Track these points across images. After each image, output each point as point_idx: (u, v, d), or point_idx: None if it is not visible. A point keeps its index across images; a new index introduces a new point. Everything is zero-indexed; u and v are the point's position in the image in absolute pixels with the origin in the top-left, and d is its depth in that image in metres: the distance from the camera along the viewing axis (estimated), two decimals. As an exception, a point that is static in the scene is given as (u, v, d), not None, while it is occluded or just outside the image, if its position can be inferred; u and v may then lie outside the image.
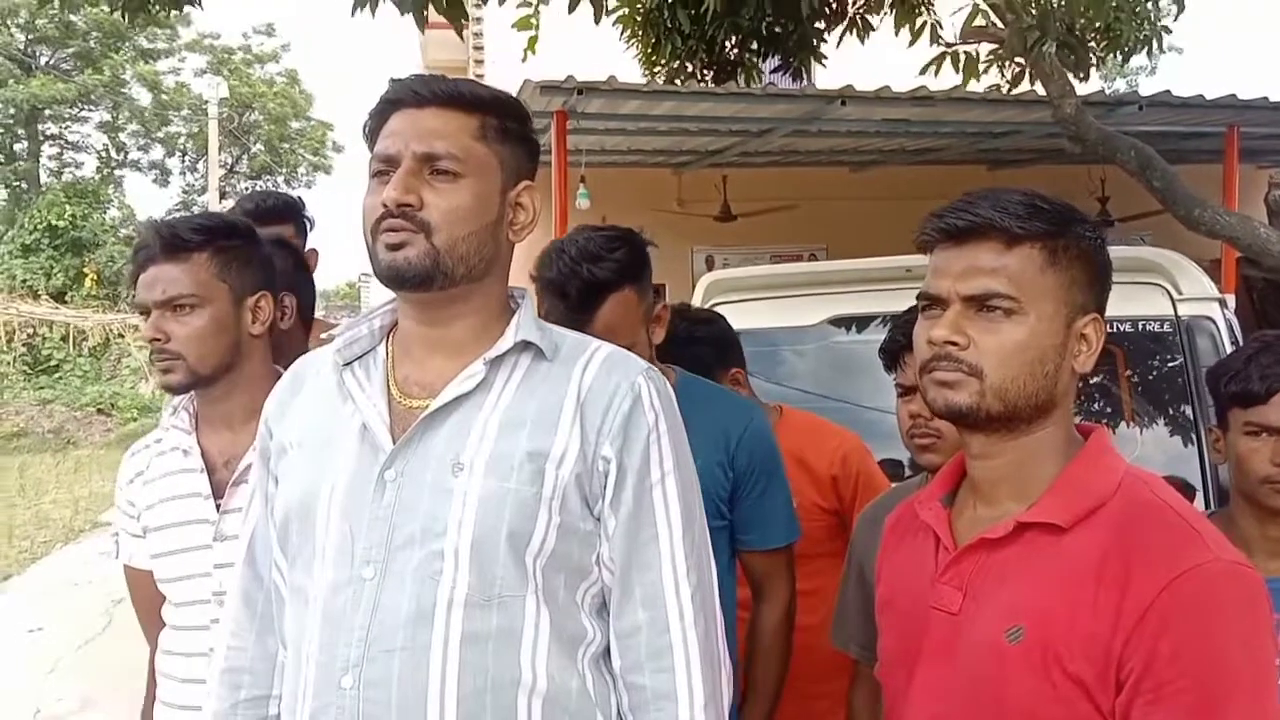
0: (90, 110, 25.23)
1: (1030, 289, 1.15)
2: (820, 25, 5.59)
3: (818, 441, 2.44)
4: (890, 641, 1.33)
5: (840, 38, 5.50)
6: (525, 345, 1.28)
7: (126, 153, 26.56)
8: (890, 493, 2.16)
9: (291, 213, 2.77)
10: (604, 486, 1.25)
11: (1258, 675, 1.04)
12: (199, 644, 1.69)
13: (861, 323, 3.41)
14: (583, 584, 1.26)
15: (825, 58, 5.76)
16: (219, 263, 1.75)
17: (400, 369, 1.31)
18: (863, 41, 5.46)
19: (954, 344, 1.15)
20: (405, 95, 1.28)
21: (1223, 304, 3.14)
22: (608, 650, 1.29)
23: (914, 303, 1.36)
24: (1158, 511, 1.13)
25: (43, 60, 24.40)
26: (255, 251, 1.83)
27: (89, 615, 6.20)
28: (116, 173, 26.03)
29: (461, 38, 7.53)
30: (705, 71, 5.96)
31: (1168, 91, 6.50)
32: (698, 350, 2.37)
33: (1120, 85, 17.51)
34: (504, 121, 1.30)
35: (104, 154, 26.02)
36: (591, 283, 1.73)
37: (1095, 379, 3.17)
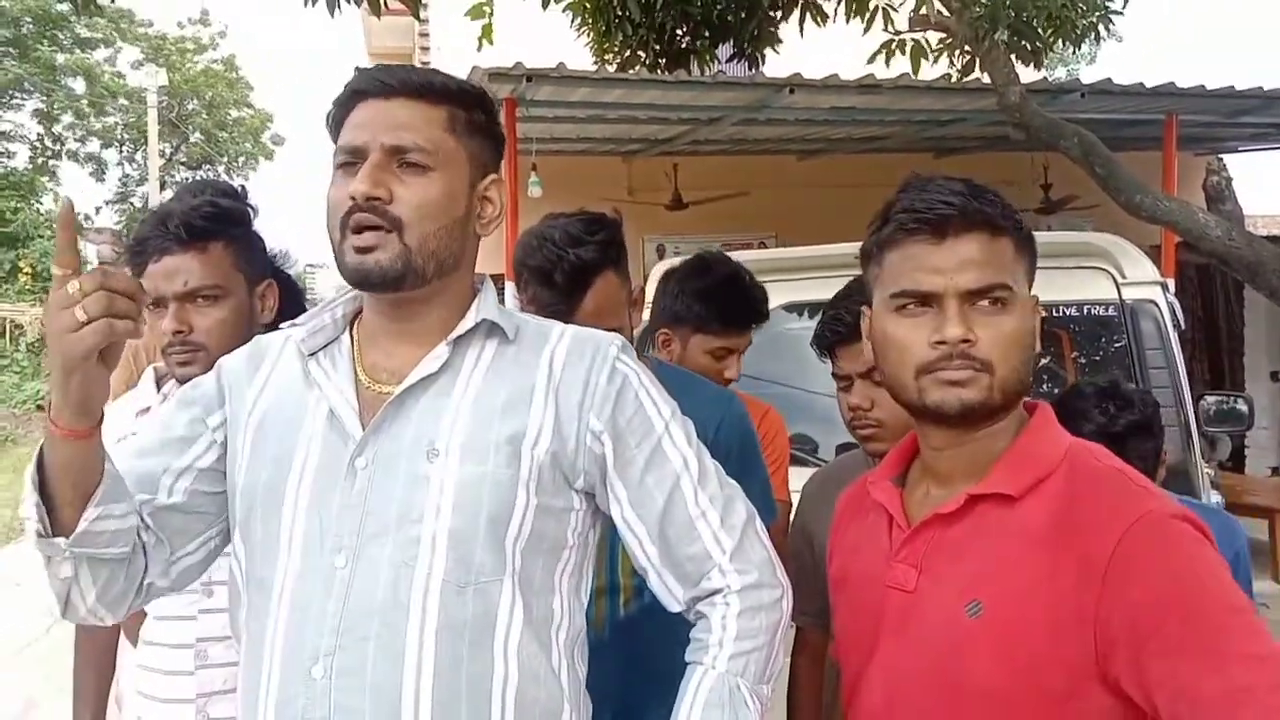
0: (23, 98, 24.53)
1: (1015, 278, 1.17)
2: (775, 13, 5.61)
3: None
4: (845, 620, 1.34)
5: (801, 22, 5.52)
6: (488, 327, 1.27)
7: (62, 143, 25.88)
8: (836, 462, 2.19)
9: (236, 201, 2.73)
10: (601, 459, 1.25)
11: (1228, 591, 1.06)
12: (185, 635, 1.66)
13: (814, 309, 3.43)
14: (559, 563, 1.26)
15: (780, 41, 5.77)
16: (234, 251, 1.75)
17: (368, 356, 1.30)
18: (820, 25, 5.47)
19: (967, 341, 1.14)
20: (371, 85, 1.26)
21: (1164, 287, 3.22)
22: (582, 639, 1.30)
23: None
24: (1101, 475, 1.16)
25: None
26: (258, 238, 1.83)
27: (33, 614, 6.06)
28: (51, 163, 25.36)
29: (419, 19, 7.44)
30: (659, 60, 5.95)
31: (1109, 79, 6.61)
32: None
33: (1061, 74, 17.78)
34: (472, 114, 1.30)
35: (38, 144, 25.34)
36: (579, 266, 1.74)
37: (1043, 361, 3.23)
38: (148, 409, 1.90)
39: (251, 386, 1.33)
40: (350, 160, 1.24)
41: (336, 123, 1.28)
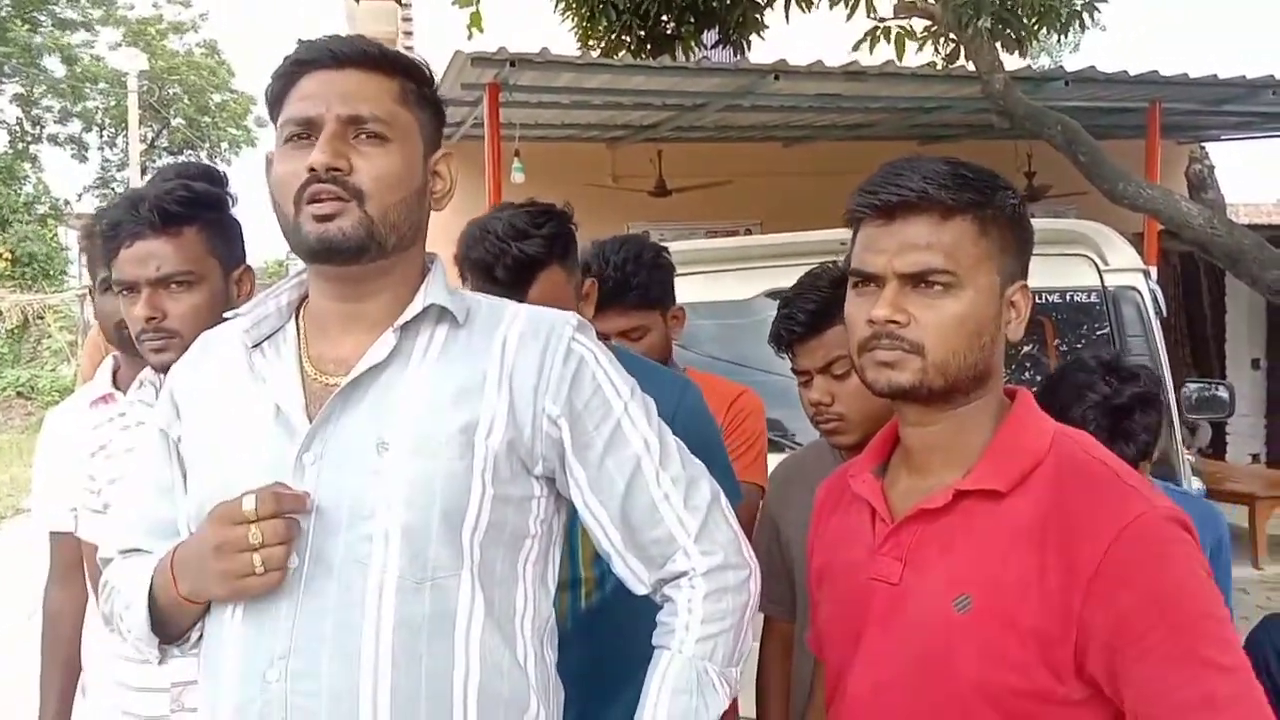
0: (2, 82, 24.26)
1: (965, 261, 1.15)
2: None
3: (713, 391, 2.36)
4: (829, 613, 1.33)
5: (786, 8, 5.50)
6: (437, 312, 1.23)
7: (43, 127, 25.63)
8: (802, 451, 2.18)
9: (214, 185, 2.71)
10: (559, 443, 1.22)
11: (1212, 600, 1.07)
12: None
13: (798, 296, 3.43)
14: (521, 553, 1.23)
15: (766, 27, 5.76)
16: (208, 236, 1.72)
17: (314, 346, 1.25)
18: (805, 11, 5.46)
19: (895, 322, 1.15)
20: (320, 56, 1.21)
21: (1147, 275, 3.24)
22: (551, 628, 1.28)
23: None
24: (1091, 469, 1.15)
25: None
26: (234, 223, 1.79)
27: (14, 603, 6.03)
28: (31, 148, 25.10)
29: (401, 3, 7.40)
30: (643, 45, 5.92)
31: (1093, 67, 6.63)
32: (663, 276, 2.33)
33: (1045, 62, 17.78)
34: (420, 86, 1.26)
35: (17, 128, 25.08)
36: (521, 260, 1.68)
37: (1024, 348, 3.24)
38: (103, 397, 1.89)
39: (199, 388, 1.30)
40: (301, 133, 1.19)
41: (278, 96, 1.23)
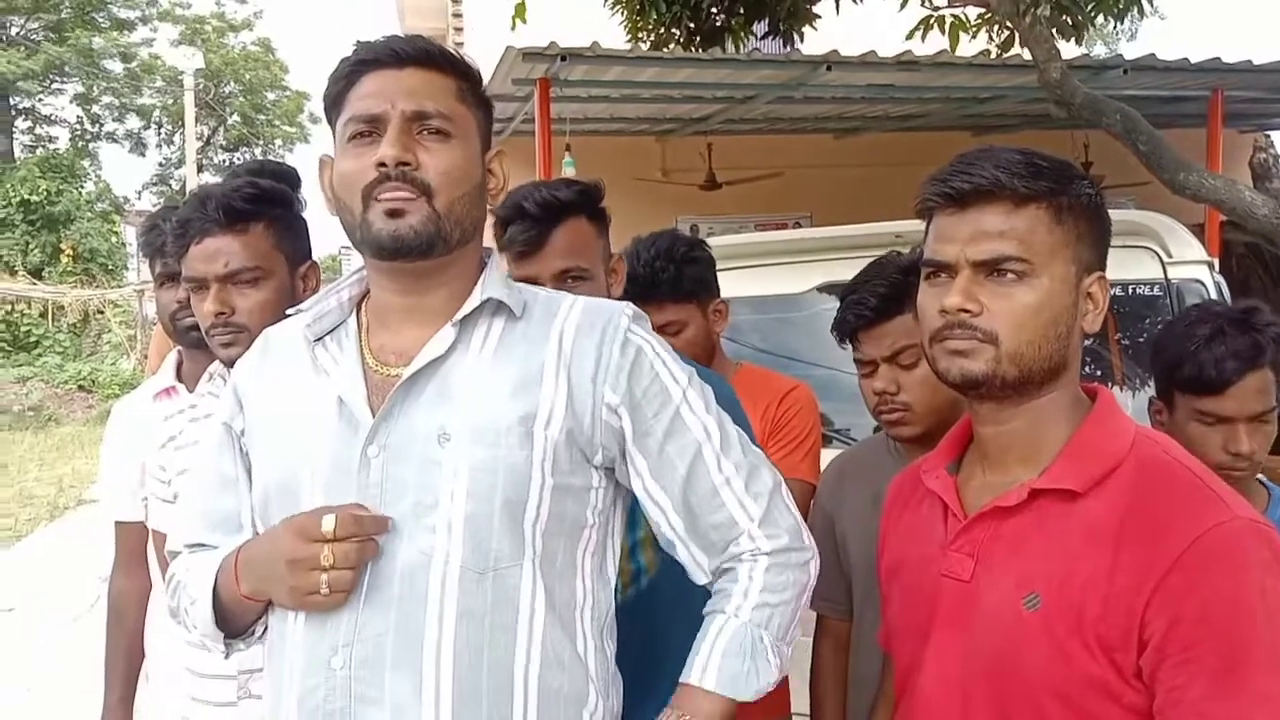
0: (63, 82, 24.83)
1: (1040, 250, 1.13)
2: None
3: (766, 385, 2.39)
4: (898, 609, 1.33)
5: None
6: (494, 305, 1.25)
7: (101, 125, 26.21)
8: (856, 447, 2.16)
9: (288, 185, 2.75)
10: (619, 432, 1.23)
11: (1273, 618, 1.04)
12: None
13: (851, 290, 3.40)
14: (580, 544, 1.24)
15: (818, 17, 5.70)
16: (275, 233, 1.75)
17: (375, 339, 1.28)
18: (856, 2, 5.41)
19: (967, 311, 1.13)
20: (382, 55, 1.23)
21: (1211, 266, 3.16)
22: (610, 619, 1.28)
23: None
24: (1173, 472, 1.12)
25: (13, 31, 23.96)
26: (300, 219, 1.83)
27: (78, 591, 6.18)
28: (91, 146, 25.68)
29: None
30: (693, 38, 5.91)
31: (1152, 55, 6.48)
32: (696, 270, 2.32)
33: (1100, 51, 17.44)
34: (473, 85, 1.29)
35: (78, 127, 25.67)
36: (549, 201, 1.73)
37: (1086, 342, 3.18)
38: (166, 390, 1.95)
39: (262, 383, 1.32)
40: (366, 130, 1.21)
41: (337, 98, 1.25)
